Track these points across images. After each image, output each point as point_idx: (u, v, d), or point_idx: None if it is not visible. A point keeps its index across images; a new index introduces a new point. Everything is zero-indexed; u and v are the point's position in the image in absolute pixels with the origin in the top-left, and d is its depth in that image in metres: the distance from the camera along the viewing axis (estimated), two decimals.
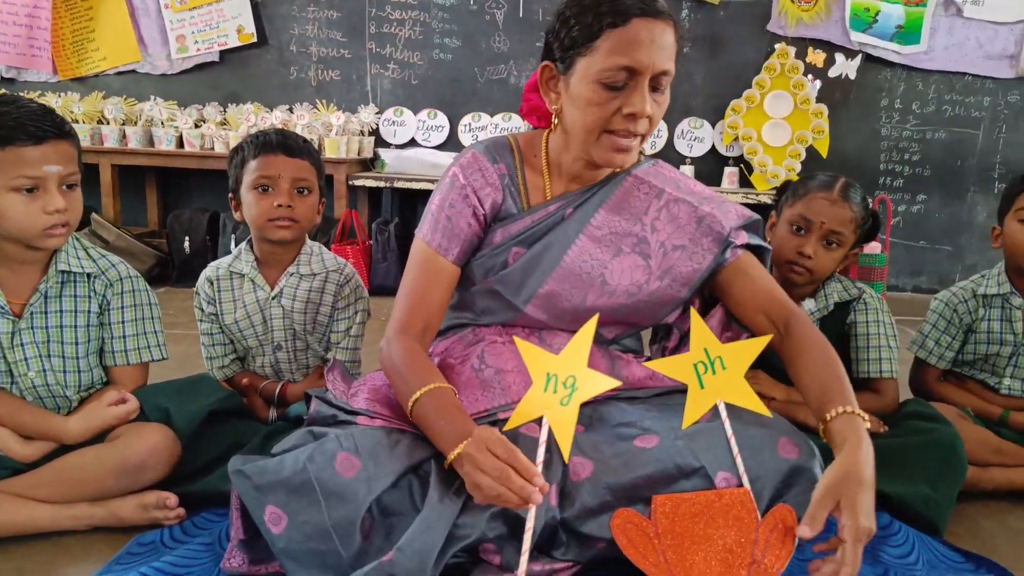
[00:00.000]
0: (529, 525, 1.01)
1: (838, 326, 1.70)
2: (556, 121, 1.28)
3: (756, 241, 1.34)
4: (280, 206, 1.56)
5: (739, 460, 1.10)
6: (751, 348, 1.18)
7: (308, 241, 1.70)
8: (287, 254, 1.66)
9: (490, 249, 1.31)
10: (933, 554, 1.31)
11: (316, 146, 3.55)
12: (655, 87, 1.17)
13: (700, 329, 1.20)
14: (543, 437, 1.06)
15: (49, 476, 1.29)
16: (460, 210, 1.28)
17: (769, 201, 3.63)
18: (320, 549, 1.05)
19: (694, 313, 1.22)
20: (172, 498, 1.31)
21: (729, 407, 1.16)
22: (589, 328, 1.12)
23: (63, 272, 1.38)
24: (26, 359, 1.35)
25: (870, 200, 1.69)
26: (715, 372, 1.17)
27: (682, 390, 1.25)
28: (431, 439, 1.12)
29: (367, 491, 1.07)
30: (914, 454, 1.45)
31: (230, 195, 1.64)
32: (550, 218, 1.29)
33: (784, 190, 1.75)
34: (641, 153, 1.36)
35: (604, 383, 1.12)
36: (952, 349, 1.76)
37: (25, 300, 1.36)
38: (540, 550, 1.12)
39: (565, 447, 1.06)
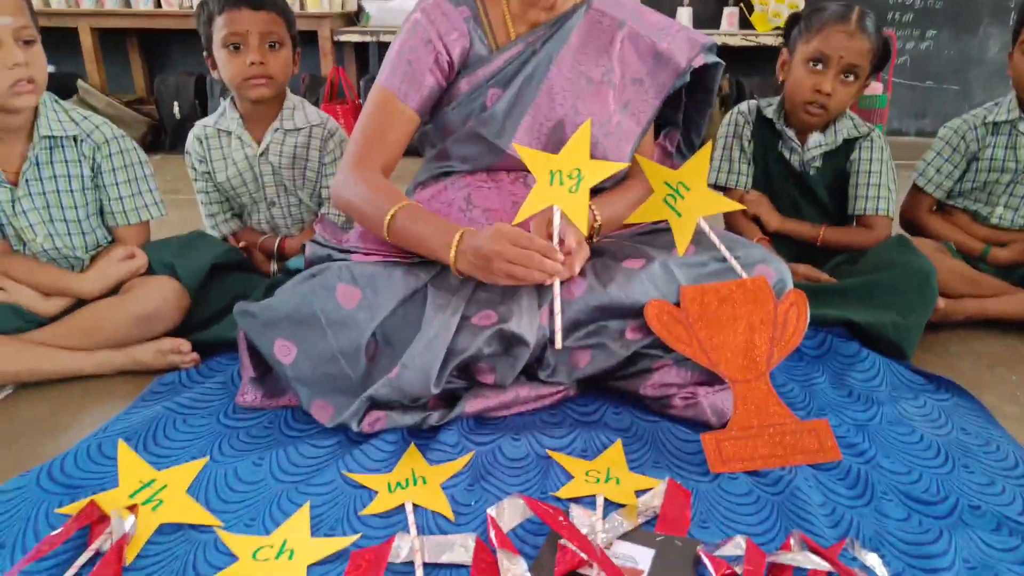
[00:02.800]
0: (557, 307, 1.14)
1: (841, 161, 1.73)
2: None
3: (712, 59, 1.35)
4: (253, 64, 1.55)
5: (733, 260, 1.21)
6: (700, 162, 1.27)
7: (290, 95, 1.69)
8: (270, 110, 1.66)
9: (465, 95, 1.31)
10: (897, 377, 1.40)
11: (298, 1, 3.46)
12: None
13: (651, 168, 1.28)
14: (556, 223, 1.14)
15: (71, 327, 1.39)
16: (422, 56, 1.27)
17: (771, 43, 3.52)
18: (329, 373, 1.14)
19: (639, 157, 1.29)
20: (185, 344, 1.41)
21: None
22: (584, 129, 1.17)
23: (49, 138, 1.40)
24: (31, 225, 1.41)
25: None
26: (682, 196, 1.25)
27: (665, 228, 1.32)
28: (416, 249, 1.20)
29: (369, 318, 1.15)
30: (888, 285, 1.52)
31: (204, 54, 1.63)
32: (521, 56, 1.30)
33: (793, 24, 1.72)
34: None
35: (608, 167, 1.19)
36: (951, 178, 1.79)
37: (18, 169, 1.39)
38: (528, 375, 1.22)
39: (583, 226, 1.16)
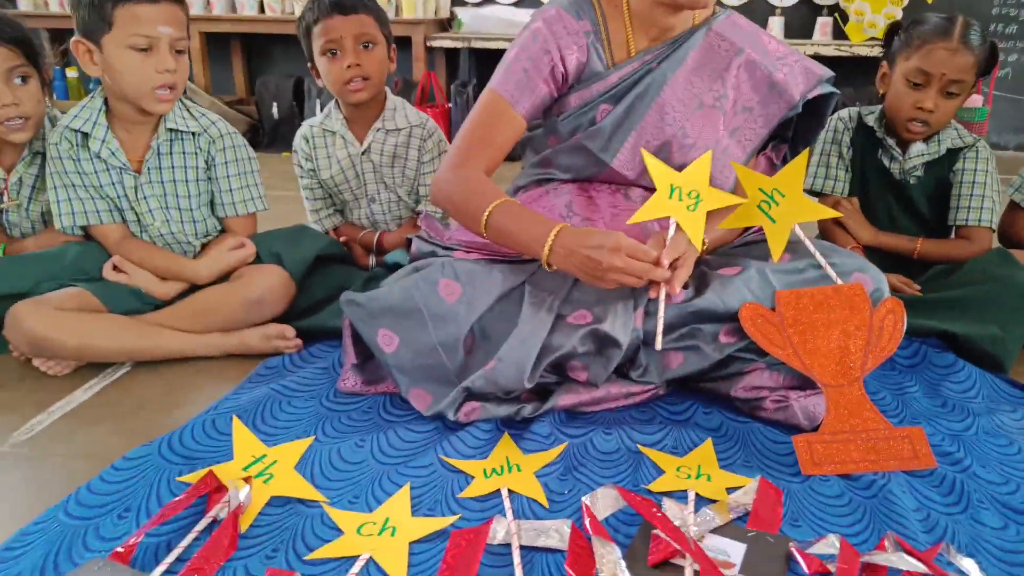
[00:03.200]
0: (661, 310, 1.17)
1: (944, 171, 1.70)
2: None
3: (828, 90, 1.35)
4: (349, 67, 1.62)
5: (828, 267, 1.21)
6: (796, 169, 1.24)
7: (391, 97, 1.77)
8: (371, 111, 1.74)
9: (576, 108, 1.33)
10: (994, 389, 1.37)
11: (394, 6, 3.59)
12: None
13: (746, 174, 1.26)
14: (671, 234, 1.19)
15: (186, 309, 1.49)
16: (538, 64, 1.28)
17: (865, 54, 3.44)
18: (428, 364, 1.20)
19: (735, 165, 1.28)
20: (290, 330, 1.49)
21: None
22: (706, 158, 1.21)
23: (171, 131, 1.51)
24: (151, 211, 1.53)
25: None
26: (777, 203, 1.24)
27: (760, 240, 1.32)
28: (512, 244, 1.21)
29: (468, 312, 1.20)
30: (987, 297, 1.49)
31: (309, 64, 1.72)
32: (636, 74, 1.31)
33: (893, 34, 1.69)
34: (718, 4, 1.35)
35: (728, 199, 1.23)
36: None
37: (141, 157, 1.51)
38: (619, 373, 1.24)
39: (698, 242, 1.21)
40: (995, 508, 1.01)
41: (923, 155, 1.68)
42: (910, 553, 0.86)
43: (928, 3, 3.55)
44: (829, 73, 1.35)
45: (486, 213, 1.20)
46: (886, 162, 1.73)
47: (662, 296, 1.17)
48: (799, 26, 3.69)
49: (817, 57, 3.42)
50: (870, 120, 1.73)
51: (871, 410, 1.12)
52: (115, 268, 1.52)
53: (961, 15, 1.60)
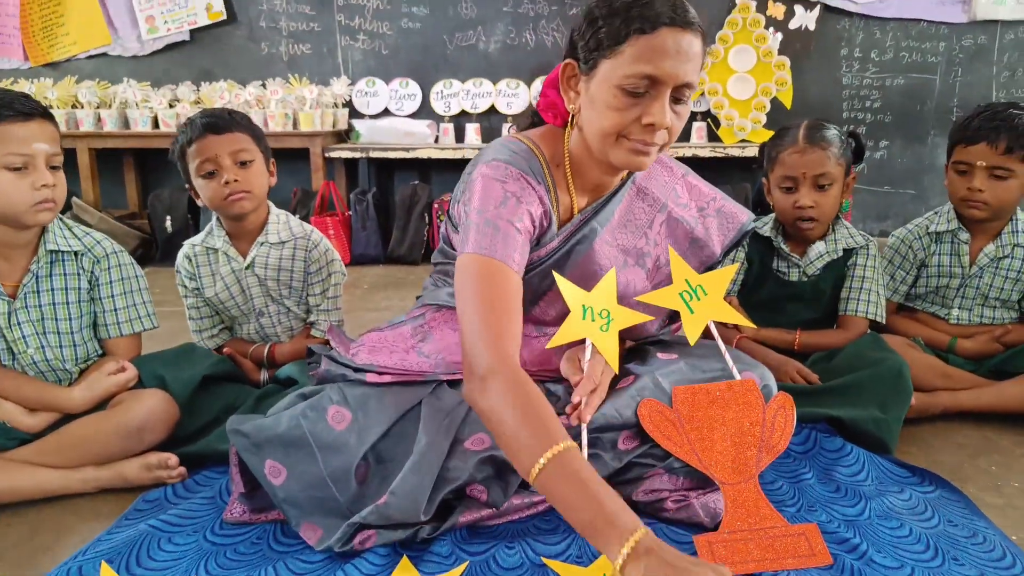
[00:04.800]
0: (584, 439, 1.15)
1: (840, 268, 1.81)
2: (573, 121, 1.23)
3: (746, 228, 1.40)
4: (228, 183, 1.60)
5: (732, 366, 1.24)
6: (723, 276, 1.31)
7: (274, 210, 1.75)
8: (254, 225, 1.72)
9: (526, 265, 1.26)
10: (882, 471, 1.42)
11: (291, 120, 3.63)
12: (677, 98, 1.14)
13: (679, 264, 1.30)
14: (587, 356, 1.20)
15: (56, 443, 1.37)
16: (526, 225, 1.18)
17: (737, 154, 3.72)
18: (319, 496, 1.14)
19: (672, 251, 1.30)
20: (173, 458, 1.39)
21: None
22: (611, 275, 1.24)
23: (52, 252, 1.45)
24: (24, 337, 1.43)
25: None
26: (699, 298, 1.29)
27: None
28: (565, 512, 0.96)
29: (359, 441, 1.15)
30: (866, 383, 1.57)
31: (187, 186, 1.69)
32: (571, 235, 1.29)
33: (763, 154, 1.82)
34: None
35: (635, 316, 1.25)
36: (906, 283, 1.89)
37: (18, 282, 1.43)
38: (520, 484, 1.21)
39: (614, 363, 1.21)
40: None
41: (823, 256, 1.79)
42: None
43: (788, 108, 3.89)
44: (750, 218, 1.40)
45: (537, 466, 0.97)
46: (784, 267, 1.83)
47: (584, 426, 1.16)
48: None
49: (695, 158, 3.67)
50: (765, 231, 1.84)
51: (767, 507, 1.14)
52: None
53: (807, 119, 1.76)
